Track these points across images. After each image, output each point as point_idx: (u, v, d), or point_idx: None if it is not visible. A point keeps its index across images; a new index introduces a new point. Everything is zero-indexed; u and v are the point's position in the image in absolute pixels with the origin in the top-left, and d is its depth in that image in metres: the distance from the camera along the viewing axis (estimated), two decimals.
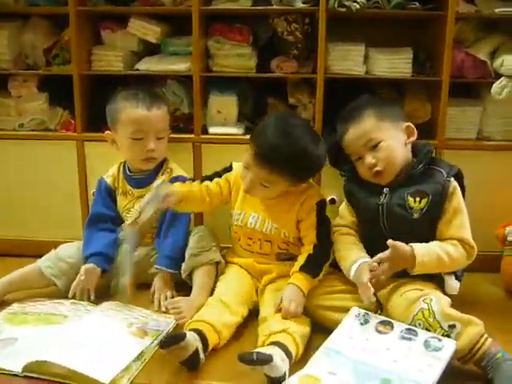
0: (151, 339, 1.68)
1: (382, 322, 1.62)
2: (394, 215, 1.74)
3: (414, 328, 1.57)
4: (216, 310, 1.71)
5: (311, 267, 1.79)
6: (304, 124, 1.89)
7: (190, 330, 1.60)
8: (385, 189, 1.78)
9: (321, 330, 1.71)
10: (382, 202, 1.76)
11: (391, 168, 1.77)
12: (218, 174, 1.96)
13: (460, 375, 1.53)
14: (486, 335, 1.53)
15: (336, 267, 1.84)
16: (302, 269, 1.78)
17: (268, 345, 1.54)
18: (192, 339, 1.53)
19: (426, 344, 1.52)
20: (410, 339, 1.54)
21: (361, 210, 1.85)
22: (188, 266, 1.91)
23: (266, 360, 1.43)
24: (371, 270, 1.66)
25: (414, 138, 1.81)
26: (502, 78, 2.06)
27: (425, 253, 1.66)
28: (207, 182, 1.94)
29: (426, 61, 2.21)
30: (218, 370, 1.57)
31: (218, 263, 1.92)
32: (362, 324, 1.63)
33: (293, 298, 1.70)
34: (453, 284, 1.72)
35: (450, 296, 1.67)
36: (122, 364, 1.54)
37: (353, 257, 1.75)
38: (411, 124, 1.83)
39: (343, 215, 1.91)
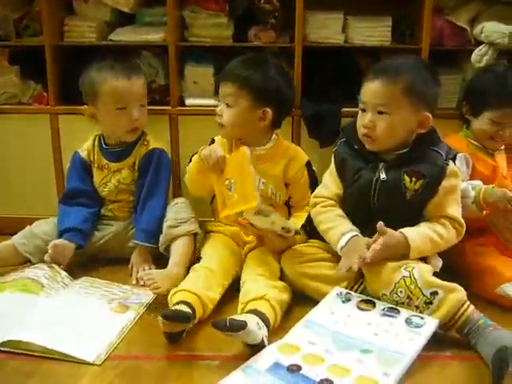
0: (134, 312, 1.67)
1: (364, 301, 1.61)
2: (387, 193, 1.69)
3: (395, 307, 1.56)
4: (202, 280, 1.68)
5: (310, 228, 1.83)
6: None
7: (179, 301, 1.56)
8: (381, 163, 1.71)
9: (303, 299, 1.71)
10: (377, 178, 1.69)
11: (383, 141, 1.69)
12: None
13: (443, 343, 1.52)
14: (467, 302, 1.52)
15: (317, 237, 1.82)
16: (303, 228, 1.84)
17: (246, 312, 1.53)
18: (192, 319, 1.51)
19: (408, 321, 1.51)
20: (391, 316, 1.54)
21: (351, 182, 1.75)
22: (165, 239, 1.88)
23: (240, 326, 1.41)
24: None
25: (423, 130, 1.70)
26: (482, 46, 2.05)
27: (417, 237, 1.63)
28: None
29: (405, 29, 2.19)
30: (198, 340, 1.55)
31: (195, 235, 1.90)
32: (343, 302, 1.62)
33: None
34: (435, 262, 1.70)
35: None
36: (105, 342, 1.53)
37: (342, 228, 1.71)
38: (431, 117, 1.68)
39: (328, 186, 1.82)
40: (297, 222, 1.86)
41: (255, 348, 1.45)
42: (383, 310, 1.56)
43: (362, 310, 1.58)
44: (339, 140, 1.84)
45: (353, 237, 1.67)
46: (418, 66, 1.73)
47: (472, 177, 1.89)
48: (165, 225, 1.89)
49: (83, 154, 2.05)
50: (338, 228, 1.71)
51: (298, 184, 1.89)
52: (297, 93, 2.12)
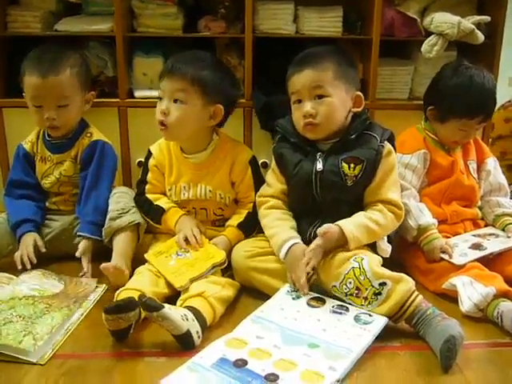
0: (82, 309, 1.64)
1: (314, 298, 1.60)
2: (328, 182, 1.68)
3: (345, 304, 1.56)
4: (147, 279, 1.65)
5: (248, 227, 1.81)
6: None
7: (123, 299, 1.50)
8: (318, 153, 1.71)
9: (252, 294, 1.70)
10: (316, 169, 1.69)
11: (326, 126, 1.69)
12: (146, 169, 1.91)
13: (391, 333, 1.52)
14: (416, 292, 1.52)
15: None
16: (240, 226, 1.80)
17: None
18: (137, 311, 1.47)
19: (357, 318, 1.51)
20: (340, 313, 1.53)
21: (292, 175, 1.74)
22: (107, 232, 1.83)
23: (154, 308, 1.39)
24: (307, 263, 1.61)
25: (359, 109, 1.73)
26: (432, 36, 2.06)
27: (353, 228, 1.62)
28: (148, 187, 1.89)
29: (356, 20, 2.19)
30: (144, 337, 1.52)
31: (138, 225, 1.85)
32: (293, 299, 1.61)
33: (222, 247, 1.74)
34: (385, 247, 1.70)
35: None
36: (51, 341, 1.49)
37: (282, 235, 1.69)
38: (362, 95, 1.73)
39: (271, 183, 1.81)
40: (232, 222, 1.83)
41: (184, 341, 1.43)
42: (333, 307, 1.56)
43: (312, 306, 1.57)
44: (276, 136, 1.82)
45: (292, 246, 1.65)
46: (337, 52, 1.75)
47: (430, 170, 1.90)
48: (107, 217, 1.85)
49: (26, 146, 2.00)
50: (279, 236, 1.70)
51: (241, 182, 1.85)
52: (248, 84, 2.10)
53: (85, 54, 2.13)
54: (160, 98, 1.77)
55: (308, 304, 1.58)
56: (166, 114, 1.73)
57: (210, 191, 1.84)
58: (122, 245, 1.79)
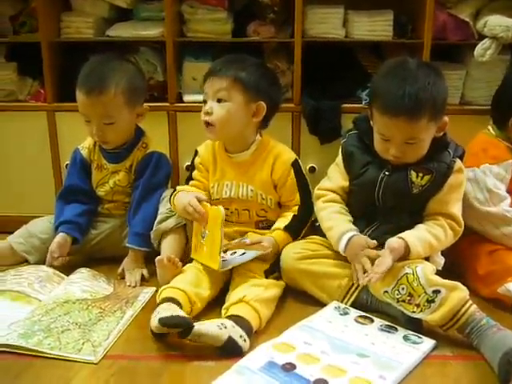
0: (131, 311, 1.66)
1: (362, 316, 1.59)
2: (393, 188, 1.66)
3: (393, 325, 1.54)
4: (190, 278, 1.65)
5: (294, 229, 1.80)
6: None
7: (165, 297, 1.54)
8: (389, 165, 1.67)
9: (300, 300, 1.69)
10: (383, 176, 1.67)
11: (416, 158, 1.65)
12: (192, 167, 1.92)
13: (443, 342, 1.49)
14: (470, 301, 1.49)
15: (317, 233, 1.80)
16: (286, 229, 1.79)
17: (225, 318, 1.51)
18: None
19: (406, 337, 1.49)
20: (389, 332, 1.52)
21: (357, 175, 1.73)
22: (155, 235, 1.84)
23: (182, 326, 1.41)
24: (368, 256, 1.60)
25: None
26: (486, 40, 2.00)
27: (418, 244, 1.59)
28: (193, 182, 1.90)
29: (407, 23, 2.15)
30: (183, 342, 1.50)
31: (185, 226, 1.86)
32: (341, 315, 1.60)
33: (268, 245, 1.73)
34: (438, 260, 1.68)
35: None
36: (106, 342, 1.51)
37: (341, 227, 1.68)
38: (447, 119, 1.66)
39: (333, 177, 1.79)
40: (279, 225, 1.81)
41: (229, 348, 1.43)
42: (381, 325, 1.55)
43: (359, 323, 1.56)
44: (348, 132, 1.80)
45: (352, 237, 1.64)
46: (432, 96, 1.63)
47: None
48: (156, 220, 1.86)
49: (84, 152, 2.00)
50: (338, 227, 1.69)
51: (284, 185, 1.84)
52: (296, 89, 2.09)
53: (136, 60, 2.16)
54: (205, 102, 1.79)
55: (356, 321, 1.57)
56: (210, 113, 1.76)
57: (251, 190, 1.83)
58: (169, 246, 1.81)
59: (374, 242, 1.63)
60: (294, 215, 1.82)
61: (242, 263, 1.68)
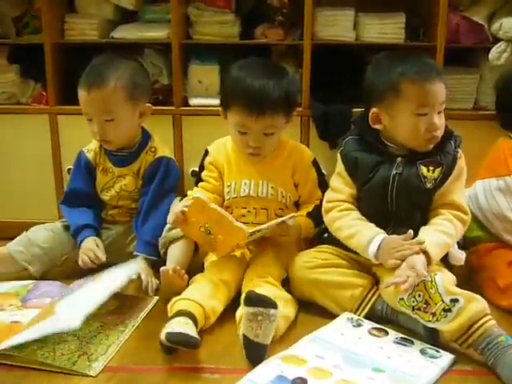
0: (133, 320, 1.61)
1: (376, 328, 1.54)
2: (406, 186, 1.62)
3: (409, 338, 1.48)
4: (206, 290, 1.59)
5: (316, 216, 1.78)
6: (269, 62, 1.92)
7: (181, 310, 1.48)
8: (398, 158, 1.64)
9: (310, 312, 1.64)
10: (395, 173, 1.63)
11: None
12: (202, 168, 1.88)
13: (462, 356, 1.43)
14: (489, 315, 1.42)
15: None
16: (309, 214, 1.79)
17: None
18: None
19: (423, 351, 1.44)
20: (405, 345, 1.46)
21: (367, 180, 1.67)
22: (162, 243, 1.78)
23: (271, 304, 1.38)
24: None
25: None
26: (501, 43, 1.97)
27: (438, 251, 1.54)
28: (201, 184, 1.86)
29: (419, 26, 2.11)
30: (198, 352, 1.45)
31: None
32: (354, 326, 1.54)
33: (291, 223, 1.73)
34: (457, 254, 1.64)
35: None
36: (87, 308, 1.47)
37: (369, 232, 1.61)
38: None
39: (338, 188, 1.72)
40: (301, 212, 1.81)
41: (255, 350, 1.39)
42: (396, 338, 1.49)
43: (374, 335, 1.50)
44: (345, 139, 1.74)
45: (384, 239, 1.58)
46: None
47: None
48: (165, 229, 1.80)
49: (89, 154, 1.95)
50: (364, 232, 1.62)
51: (306, 183, 1.83)
52: (305, 92, 2.05)
53: (140, 62, 2.10)
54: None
55: (370, 333, 1.51)
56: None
57: (272, 188, 1.80)
58: (174, 255, 1.75)
59: (410, 231, 1.55)
60: (316, 205, 1.80)
61: (268, 229, 1.67)
